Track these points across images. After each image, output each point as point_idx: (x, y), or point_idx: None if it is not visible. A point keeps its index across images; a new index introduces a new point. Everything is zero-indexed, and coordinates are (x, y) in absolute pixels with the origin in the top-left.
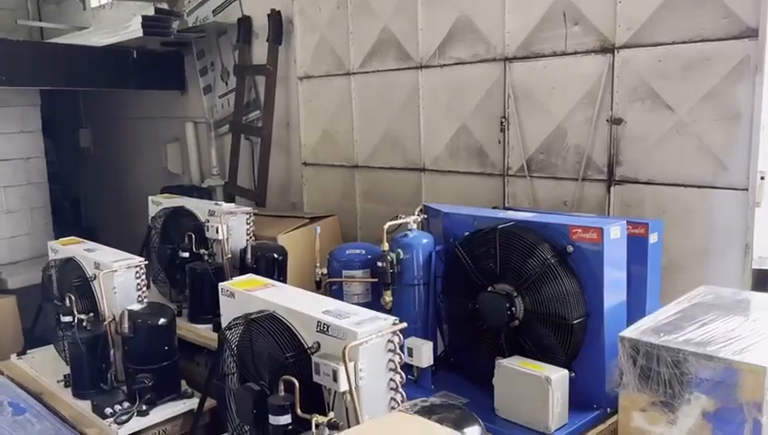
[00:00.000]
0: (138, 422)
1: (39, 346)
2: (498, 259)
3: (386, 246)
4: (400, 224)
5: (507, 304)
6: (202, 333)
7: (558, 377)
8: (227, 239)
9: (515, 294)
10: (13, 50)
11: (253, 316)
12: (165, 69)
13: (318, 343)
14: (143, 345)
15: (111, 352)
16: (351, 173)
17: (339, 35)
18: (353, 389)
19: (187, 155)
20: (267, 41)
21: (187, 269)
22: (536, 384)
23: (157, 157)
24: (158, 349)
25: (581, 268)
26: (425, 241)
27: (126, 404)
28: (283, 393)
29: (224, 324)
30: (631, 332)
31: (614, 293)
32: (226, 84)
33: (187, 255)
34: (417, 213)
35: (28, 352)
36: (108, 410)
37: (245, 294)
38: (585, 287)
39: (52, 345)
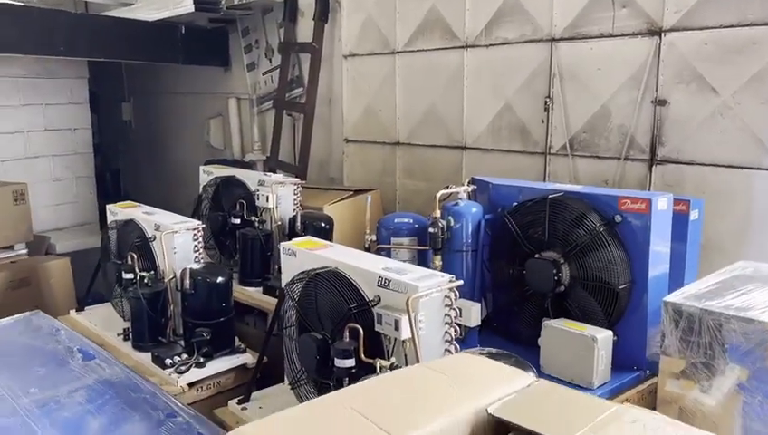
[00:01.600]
0: (195, 373)
1: (92, 305)
2: (547, 227)
3: (437, 214)
4: (451, 193)
5: (554, 271)
6: (252, 294)
7: (603, 337)
8: (276, 208)
9: (562, 260)
10: (71, 22)
11: (317, 271)
12: (210, 45)
13: (379, 296)
14: (202, 301)
15: (170, 307)
16: (393, 150)
17: (385, 14)
18: (415, 337)
19: (229, 130)
20: (313, 19)
21: (238, 235)
22: (582, 343)
23: (198, 131)
24: (216, 305)
25: (628, 237)
26: (474, 210)
27: (184, 356)
28: (347, 339)
29: (284, 281)
30: (674, 297)
31: (658, 262)
32: (270, 62)
33: (238, 221)
34: (466, 184)
35: (86, 308)
36: (168, 361)
37: (308, 253)
38: (631, 256)
39: (107, 303)
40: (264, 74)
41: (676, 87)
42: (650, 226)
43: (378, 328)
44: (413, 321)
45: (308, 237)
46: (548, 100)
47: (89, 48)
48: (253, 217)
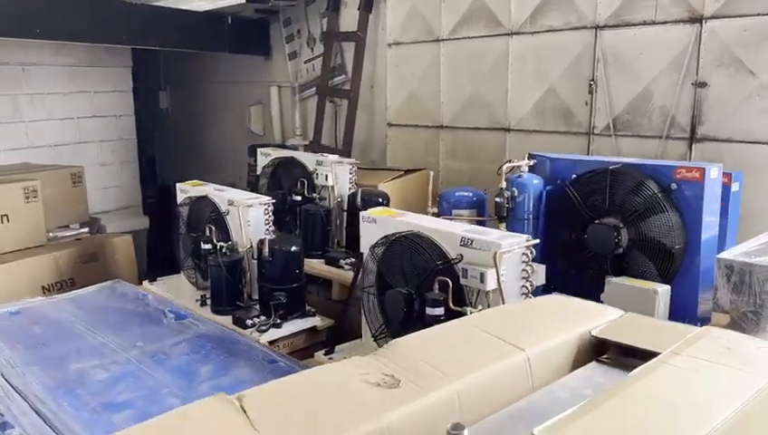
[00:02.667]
0: (273, 333)
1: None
2: (607, 195)
3: (504, 184)
4: (513, 167)
5: (615, 234)
6: (315, 265)
7: (663, 290)
8: (335, 185)
9: (621, 225)
10: (131, 12)
11: (401, 234)
12: (254, 36)
13: (461, 254)
14: (279, 268)
15: (248, 274)
16: (436, 133)
17: (430, 4)
18: (501, 287)
19: (270, 116)
20: (358, 9)
21: (300, 211)
22: (644, 296)
23: (237, 118)
24: (291, 272)
25: (682, 203)
26: (535, 182)
27: (262, 318)
28: (437, 291)
29: (365, 246)
30: (726, 254)
31: (709, 226)
32: (312, 51)
33: (299, 198)
34: (526, 159)
35: (158, 278)
36: (249, 322)
37: (389, 220)
38: (685, 220)
39: (173, 275)
40: (305, 63)
41: (715, 70)
42: (703, 192)
43: (462, 281)
44: (499, 273)
45: (383, 208)
46: (592, 83)
47: (145, 37)
48: (313, 195)
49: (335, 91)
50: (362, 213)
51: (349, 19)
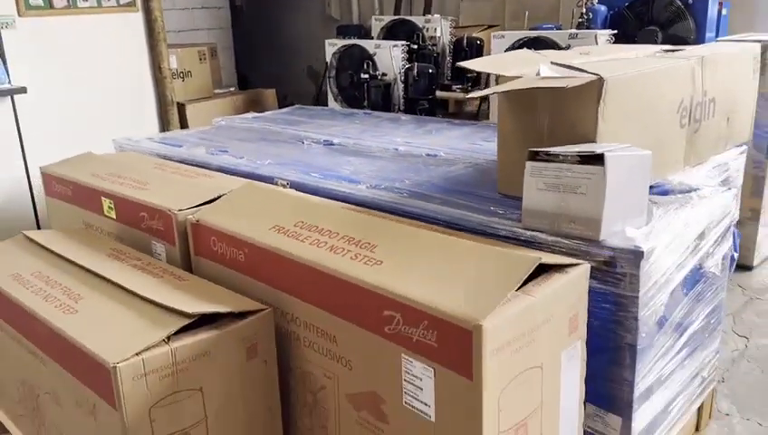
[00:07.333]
0: None
1: None
2: (651, 11)
3: (584, 10)
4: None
5: (654, 35)
6: None
7: None
8: (441, 36)
9: (658, 30)
10: None
11: (531, 37)
12: None
13: (569, 44)
14: (422, 84)
15: (397, 94)
16: (502, 1)
17: None
18: None
19: (348, 3)
20: None
21: (417, 54)
22: None
23: (313, 11)
24: (429, 87)
25: (696, 13)
26: (602, 9)
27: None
28: None
29: (495, 52)
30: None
31: (711, 28)
32: None
33: (416, 46)
34: None
35: None
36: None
37: (515, 33)
38: (698, 24)
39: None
40: None
41: None
42: (708, 5)
43: None
44: None
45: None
46: None
47: None
48: (426, 44)
49: None
50: (493, 33)
51: None
